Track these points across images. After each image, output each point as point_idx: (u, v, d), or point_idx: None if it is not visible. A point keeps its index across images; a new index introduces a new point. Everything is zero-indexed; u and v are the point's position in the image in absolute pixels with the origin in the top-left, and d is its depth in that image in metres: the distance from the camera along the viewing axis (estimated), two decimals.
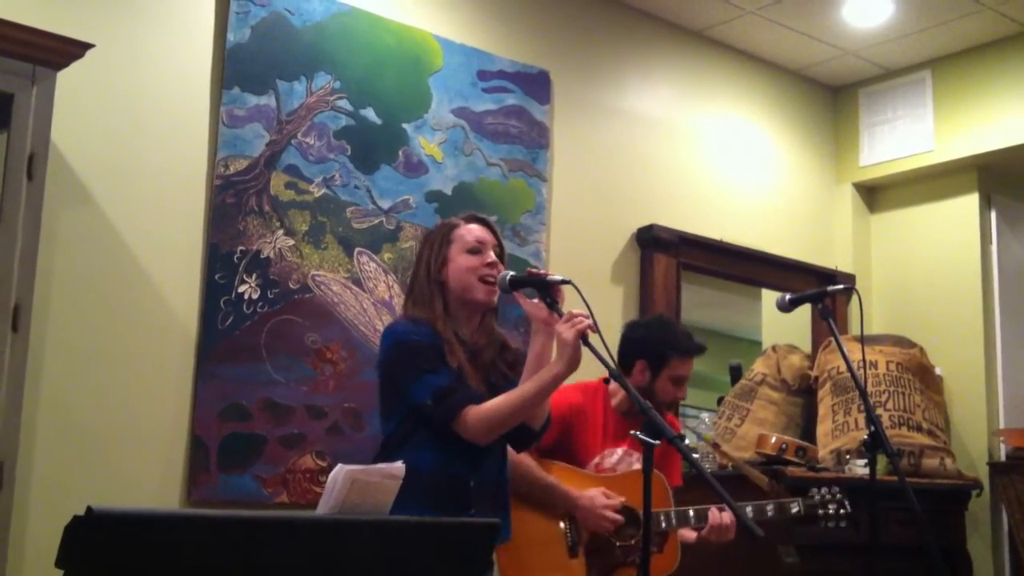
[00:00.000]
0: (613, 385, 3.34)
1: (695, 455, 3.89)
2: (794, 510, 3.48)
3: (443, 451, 2.61)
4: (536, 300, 2.64)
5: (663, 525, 3.21)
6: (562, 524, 3.16)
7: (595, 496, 3.14)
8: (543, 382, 2.58)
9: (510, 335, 2.91)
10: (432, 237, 2.83)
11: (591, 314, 2.53)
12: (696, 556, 3.39)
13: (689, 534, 3.36)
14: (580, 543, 3.15)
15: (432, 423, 2.59)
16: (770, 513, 3.42)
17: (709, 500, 3.26)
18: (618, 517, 3.14)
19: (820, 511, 3.50)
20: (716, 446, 3.78)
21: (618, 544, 3.17)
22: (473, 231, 2.78)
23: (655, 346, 3.39)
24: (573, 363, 2.55)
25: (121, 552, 1.47)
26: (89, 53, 3.18)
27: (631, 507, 3.16)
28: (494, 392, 2.65)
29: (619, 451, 3.35)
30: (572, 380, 2.70)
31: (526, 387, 2.60)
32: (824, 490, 3.54)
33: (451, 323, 2.70)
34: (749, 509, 3.35)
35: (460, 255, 2.74)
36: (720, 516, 3.28)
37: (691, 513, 3.26)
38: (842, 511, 3.50)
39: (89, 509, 1.42)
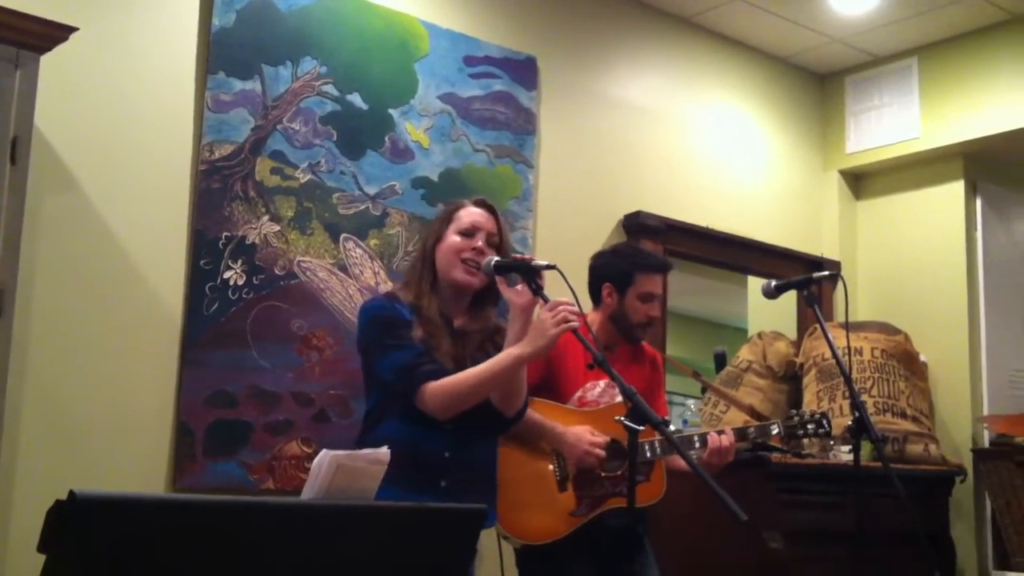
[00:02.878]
0: (591, 316, 3.35)
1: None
2: (774, 431, 3.50)
3: (417, 425, 2.63)
4: (520, 286, 2.64)
5: (648, 455, 3.24)
6: (550, 460, 3.19)
7: (581, 434, 3.17)
8: (503, 363, 2.59)
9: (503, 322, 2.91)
10: (439, 214, 2.90)
11: (576, 300, 2.53)
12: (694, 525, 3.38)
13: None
14: (568, 477, 3.19)
15: (398, 398, 2.64)
16: (752, 435, 3.45)
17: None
18: (602, 453, 3.17)
19: (800, 431, 3.52)
20: (696, 374, 3.79)
21: (605, 476, 3.21)
22: (472, 214, 2.81)
23: (618, 266, 3.43)
24: (541, 352, 2.58)
25: (103, 536, 1.46)
26: (73, 37, 3.16)
27: (616, 438, 3.19)
28: None
29: (601, 383, 3.37)
30: None
31: (485, 365, 2.62)
32: (804, 411, 3.57)
33: (437, 301, 2.74)
34: (731, 431, 3.37)
35: (452, 235, 2.78)
36: (719, 439, 3.30)
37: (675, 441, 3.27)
38: (821, 430, 3.51)
39: (71, 493, 1.41)
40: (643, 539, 3.36)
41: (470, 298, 2.81)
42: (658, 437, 3.26)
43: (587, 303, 3.32)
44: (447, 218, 2.83)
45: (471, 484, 2.69)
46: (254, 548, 1.65)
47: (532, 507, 3.15)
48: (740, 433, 3.42)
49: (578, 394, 3.35)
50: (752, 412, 3.61)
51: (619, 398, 3.31)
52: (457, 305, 2.79)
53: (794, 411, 3.62)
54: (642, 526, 3.36)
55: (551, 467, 3.19)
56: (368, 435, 2.72)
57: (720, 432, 3.34)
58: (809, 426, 3.53)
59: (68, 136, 3.42)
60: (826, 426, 3.53)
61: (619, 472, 3.22)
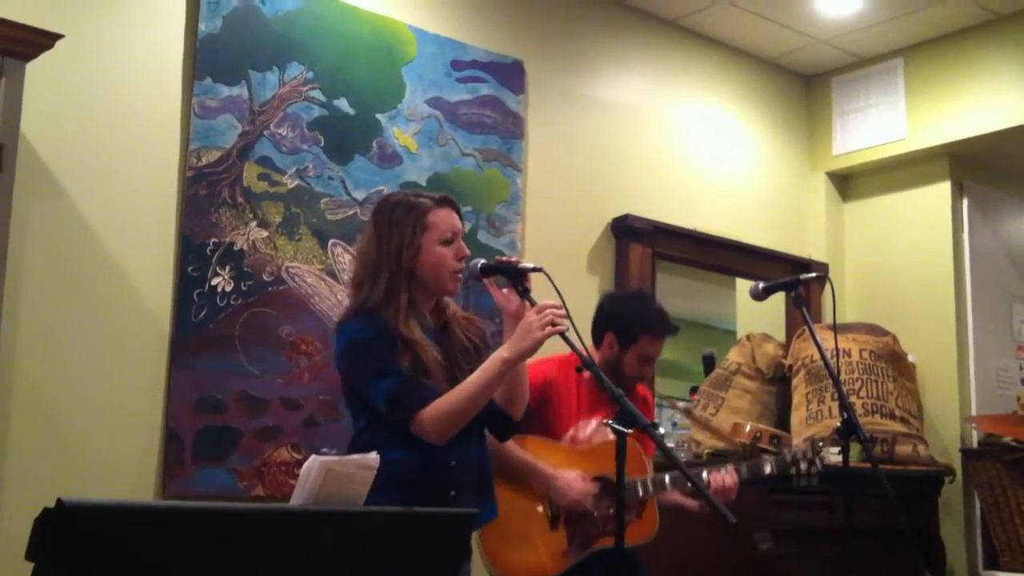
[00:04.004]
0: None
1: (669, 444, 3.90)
2: (767, 470, 3.49)
3: (420, 447, 2.57)
4: (506, 289, 2.63)
5: (640, 493, 3.23)
6: (541, 500, 3.18)
7: (572, 480, 3.16)
8: (490, 371, 2.53)
9: (483, 324, 2.89)
10: (401, 220, 2.66)
11: (563, 302, 2.52)
12: (684, 528, 3.39)
13: (691, 502, 3.38)
14: (560, 516, 3.18)
15: (394, 427, 2.57)
16: (744, 473, 3.42)
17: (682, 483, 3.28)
18: (590, 503, 3.17)
19: (792, 469, 3.51)
20: (688, 412, 3.80)
21: (597, 515, 3.20)
22: (446, 218, 2.70)
23: (627, 322, 3.40)
24: (526, 354, 2.53)
25: (92, 544, 1.46)
26: (59, 44, 3.15)
27: (608, 477, 3.17)
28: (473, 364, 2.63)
29: (593, 422, 3.37)
30: (545, 353, 2.71)
31: (475, 377, 2.55)
32: (796, 451, 3.57)
33: (414, 315, 2.63)
34: (734, 470, 3.37)
35: (435, 245, 2.66)
36: (723, 478, 3.30)
37: (667, 479, 3.27)
38: (813, 469, 3.51)
39: (59, 501, 1.41)
40: (637, 566, 3.34)
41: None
42: (650, 475, 3.27)
43: (584, 304, 3.32)
44: (419, 225, 2.66)
45: (477, 485, 2.68)
46: (243, 555, 1.65)
47: (523, 544, 3.14)
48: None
49: (570, 432, 3.34)
50: (733, 445, 3.62)
51: (612, 436, 3.29)
52: (426, 309, 2.72)
53: (787, 452, 3.59)
54: (636, 559, 3.34)
55: (541, 508, 3.19)
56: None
57: (722, 470, 3.32)
58: (802, 465, 3.52)
59: (55, 143, 3.41)
60: (819, 464, 3.52)
61: (611, 511, 3.17)
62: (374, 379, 2.56)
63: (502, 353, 2.53)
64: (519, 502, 3.16)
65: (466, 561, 2.69)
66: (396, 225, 2.66)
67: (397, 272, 2.63)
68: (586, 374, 3.37)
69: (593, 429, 3.36)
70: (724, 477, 3.31)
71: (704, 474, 3.33)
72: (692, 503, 3.40)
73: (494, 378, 2.54)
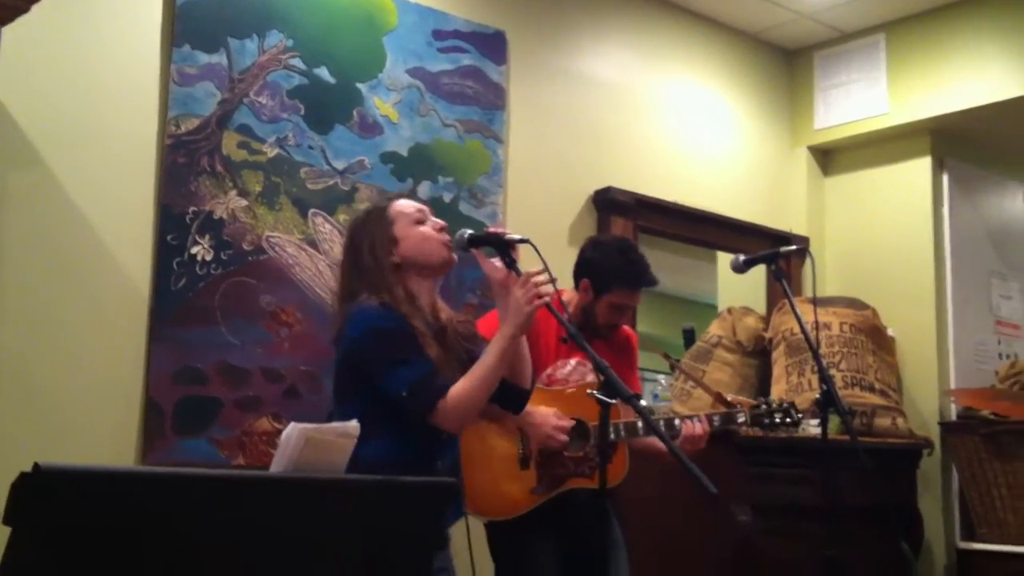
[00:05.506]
0: (566, 296, 3.32)
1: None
2: (740, 419, 3.52)
3: (411, 439, 2.57)
4: (495, 260, 2.63)
5: (612, 436, 3.24)
6: (514, 437, 3.20)
7: (546, 416, 3.18)
8: (502, 349, 2.55)
9: (464, 297, 2.89)
10: (367, 225, 2.72)
11: (548, 271, 2.52)
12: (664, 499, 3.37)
13: (662, 446, 3.40)
14: (531, 456, 3.20)
15: (408, 416, 2.54)
16: (717, 423, 3.45)
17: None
18: (565, 438, 3.19)
19: (766, 420, 3.55)
20: (667, 356, 3.82)
21: (568, 456, 3.23)
22: (408, 204, 2.75)
23: (603, 271, 3.40)
24: (522, 328, 2.55)
25: (69, 509, 1.45)
26: (35, 8, 3.10)
27: (582, 419, 3.22)
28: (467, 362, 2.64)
29: (572, 362, 3.38)
30: None
31: (486, 360, 2.56)
32: (772, 400, 3.60)
33: (413, 307, 2.63)
34: (705, 417, 3.41)
35: (410, 228, 2.69)
36: (693, 426, 3.34)
37: (639, 425, 3.28)
38: (788, 419, 3.54)
39: (36, 465, 1.40)
40: (610, 515, 3.37)
41: (436, 287, 2.77)
42: (623, 420, 3.28)
43: (563, 278, 3.31)
44: (384, 222, 2.70)
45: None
46: (221, 520, 1.64)
47: (494, 483, 3.17)
48: (669, 424, 3.43)
49: (548, 372, 3.35)
50: (719, 398, 3.62)
51: (590, 376, 3.32)
52: (426, 301, 2.71)
53: (762, 399, 3.63)
54: (609, 502, 3.36)
55: (514, 445, 3.20)
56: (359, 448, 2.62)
57: (693, 418, 3.36)
58: (776, 415, 3.55)
59: (31, 109, 3.37)
60: (793, 416, 3.55)
61: (582, 453, 3.23)
62: (396, 366, 2.54)
63: (503, 331, 2.55)
64: (492, 438, 3.19)
65: (445, 547, 2.69)
66: (364, 232, 2.71)
67: (381, 269, 2.65)
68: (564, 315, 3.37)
69: (571, 369, 3.37)
70: (695, 425, 3.34)
71: (676, 422, 3.36)
72: (662, 447, 3.41)
73: (502, 356, 2.55)
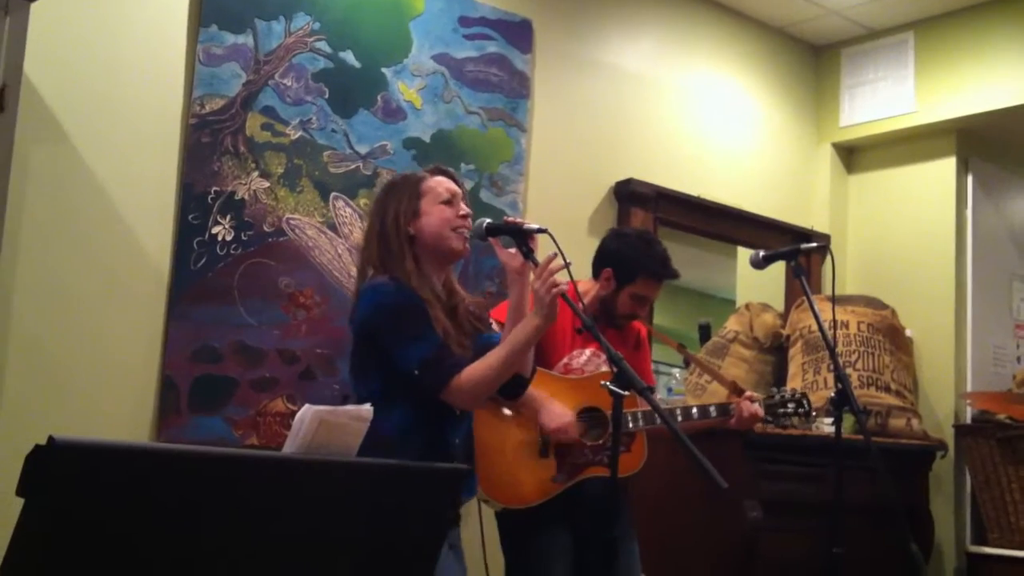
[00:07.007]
0: (582, 286, 3.33)
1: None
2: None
3: (428, 415, 2.60)
4: (512, 249, 2.64)
5: (630, 425, 3.25)
6: (534, 426, 3.21)
7: (560, 411, 3.19)
8: (526, 336, 2.56)
9: (483, 285, 2.90)
10: (398, 191, 2.74)
11: (565, 261, 2.53)
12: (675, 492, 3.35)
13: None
14: (550, 444, 3.21)
15: (420, 391, 2.56)
16: (732, 412, 3.47)
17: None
18: (575, 434, 3.20)
19: (780, 410, 3.56)
20: (682, 347, 3.82)
21: (588, 444, 3.24)
22: (443, 183, 2.74)
23: (626, 261, 3.40)
24: (551, 318, 2.55)
25: (82, 482, 1.47)
26: None
27: (599, 407, 3.23)
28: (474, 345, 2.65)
29: (587, 352, 3.39)
30: None
31: (509, 345, 2.57)
32: (786, 390, 3.60)
33: (423, 280, 2.65)
34: (712, 409, 3.44)
35: (434, 206, 2.70)
36: (751, 407, 3.44)
37: (656, 417, 3.28)
38: (801, 410, 3.55)
39: (50, 438, 1.41)
40: (623, 507, 3.37)
41: (449, 270, 2.78)
42: (641, 408, 3.28)
43: (582, 267, 3.31)
44: (413, 193, 2.71)
45: (468, 462, 2.72)
46: (233, 499, 1.65)
47: (513, 472, 3.18)
48: (721, 410, 3.45)
49: (564, 361, 3.36)
50: (734, 387, 3.62)
51: (604, 367, 3.32)
52: (438, 279, 2.73)
53: (775, 389, 3.63)
54: (623, 494, 3.37)
55: (533, 433, 3.21)
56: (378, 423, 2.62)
57: (754, 402, 3.44)
58: (790, 405, 3.56)
59: (57, 85, 3.40)
60: (806, 406, 3.56)
61: (600, 441, 3.24)
62: (409, 342, 2.55)
63: (533, 321, 2.56)
64: (512, 428, 3.20)
65: (455, 526, 2.71)
66: (393, 197, 2.74)
67: (398, 237, 2.67)
68: (580, 305, 3.38)
69: (586, 359, 3.38)
70: (756, 409, 3.44)
71: (731, 406, 3.44)
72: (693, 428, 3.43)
73: (527, 342, 2.58)
